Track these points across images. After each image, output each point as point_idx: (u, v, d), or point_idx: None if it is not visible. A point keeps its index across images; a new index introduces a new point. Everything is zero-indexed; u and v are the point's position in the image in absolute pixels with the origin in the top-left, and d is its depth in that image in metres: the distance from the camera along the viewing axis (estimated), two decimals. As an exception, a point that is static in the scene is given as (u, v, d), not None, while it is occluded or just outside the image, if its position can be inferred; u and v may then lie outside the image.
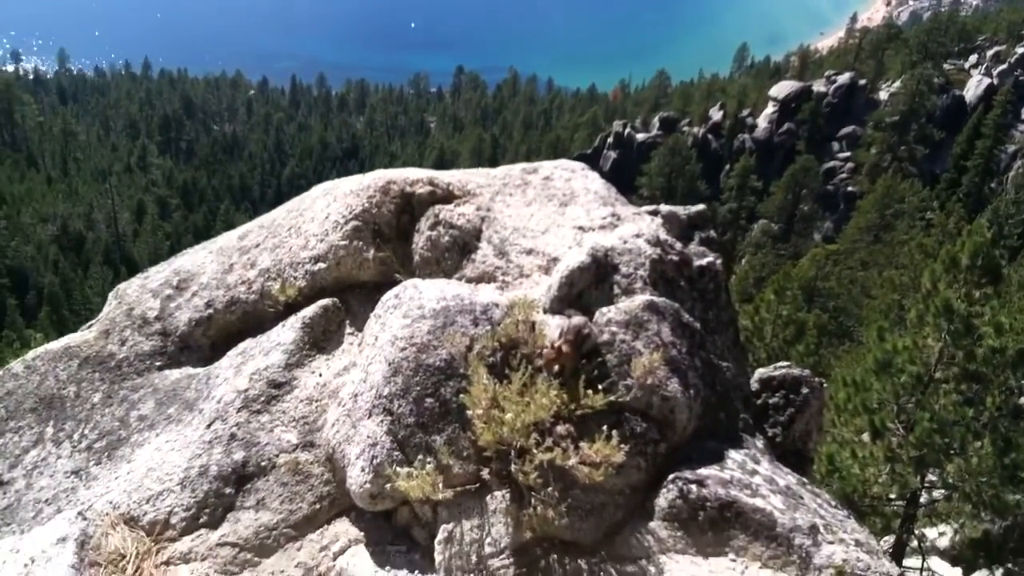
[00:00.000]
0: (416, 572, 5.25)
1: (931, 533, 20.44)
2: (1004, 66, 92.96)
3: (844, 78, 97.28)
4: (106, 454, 6.49)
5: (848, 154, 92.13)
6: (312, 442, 5.94)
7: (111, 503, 5.86)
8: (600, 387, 5.31)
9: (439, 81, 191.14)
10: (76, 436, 6.71)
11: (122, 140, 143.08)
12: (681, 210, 7.78)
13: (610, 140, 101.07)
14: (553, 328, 5.53)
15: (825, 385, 8.72)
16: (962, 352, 16.79)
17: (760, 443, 6.11)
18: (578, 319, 5.58)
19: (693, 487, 5.19)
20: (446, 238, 6.62)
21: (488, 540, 5.13)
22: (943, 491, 18.15)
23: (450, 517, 5.25)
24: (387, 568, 5.28)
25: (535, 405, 5.06)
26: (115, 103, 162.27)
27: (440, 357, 5.54)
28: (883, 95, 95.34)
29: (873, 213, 66.71)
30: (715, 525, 5.11)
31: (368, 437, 5.44)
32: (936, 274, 17.76)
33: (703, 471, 5.32)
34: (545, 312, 5.75)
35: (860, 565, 4.92)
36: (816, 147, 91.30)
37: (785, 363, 8.38)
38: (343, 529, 5.64)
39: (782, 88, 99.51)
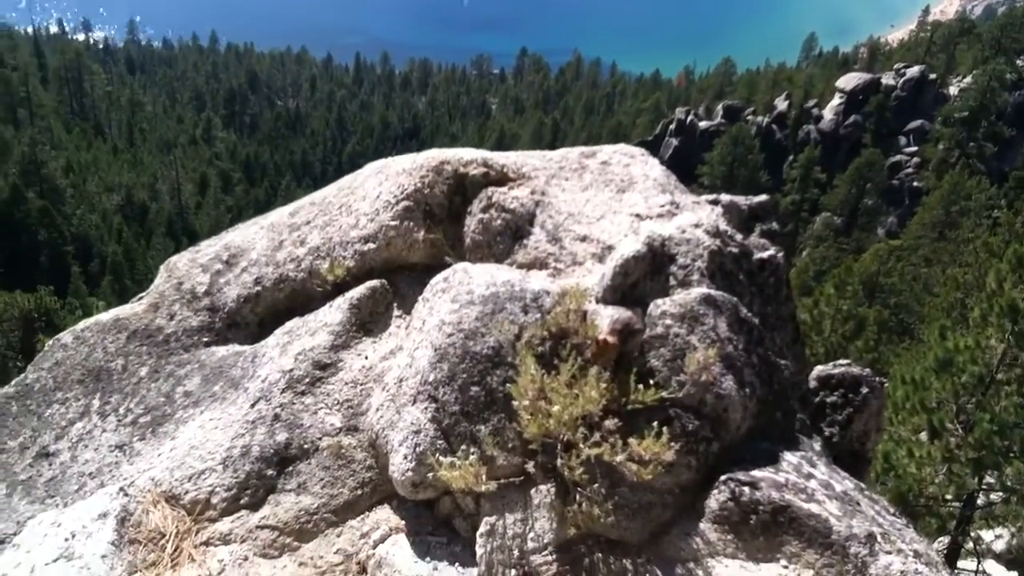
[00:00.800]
0: (456, 564, 5.13)
1: (987, 536, 20.08)
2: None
3: (914, 71, 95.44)
4: (150, 429, 6.44)
5: (915, 149, 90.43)
6: (356, 426, 5.84)
7: (153, 480, 5.83)
8: (652, 382, 5.13)
9: (502, 63, 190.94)
10: (122, 410, 6.68)
11: (187, 112, 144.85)
12: (743, 200, 7.54)
13: (672, 127, 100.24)
14: (605, 319, 5.35)
15: (885, 384, 8.47)
16: (1025, 354, 16.50)
17: (817, 445, 5.89)
18: (627, 313, 5.39)
19: (746, 489, 4.99)
20: (498, 221, 6.45)
21: (531, 535, 4.99)
22: (1001, 494, 17.90)
23: (493, 510, 5.11)
24: (427, 559, 5.16)
25: (583, 398, 4.89)
26: (181, 75, 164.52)
27: (487, 344, 5.39)
28: (953, 90, 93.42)
29: (938, 209, 65.54)
30: (767, 530, 4.92)
31: (412, 424, 5.32)
32: (1002, 273, 17.45)
33: (757, 473, 5.12)
34: (597, 302, 5.57)
35: (918, 577, 4.71)
36: (882, 141, 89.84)
37: (845, 361, 8.12)
38: (384, 517, 5.54)
39: (849, 80, 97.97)
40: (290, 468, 5.69)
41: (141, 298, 7.56)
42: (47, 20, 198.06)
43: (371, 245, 6.75)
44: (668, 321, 5.41)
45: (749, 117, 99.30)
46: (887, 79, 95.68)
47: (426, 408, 5.32)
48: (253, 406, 5.98)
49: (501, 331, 5.41)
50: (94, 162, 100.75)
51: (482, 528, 5.07)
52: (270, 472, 5.67)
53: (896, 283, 49.49)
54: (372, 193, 7.00)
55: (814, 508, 4.90)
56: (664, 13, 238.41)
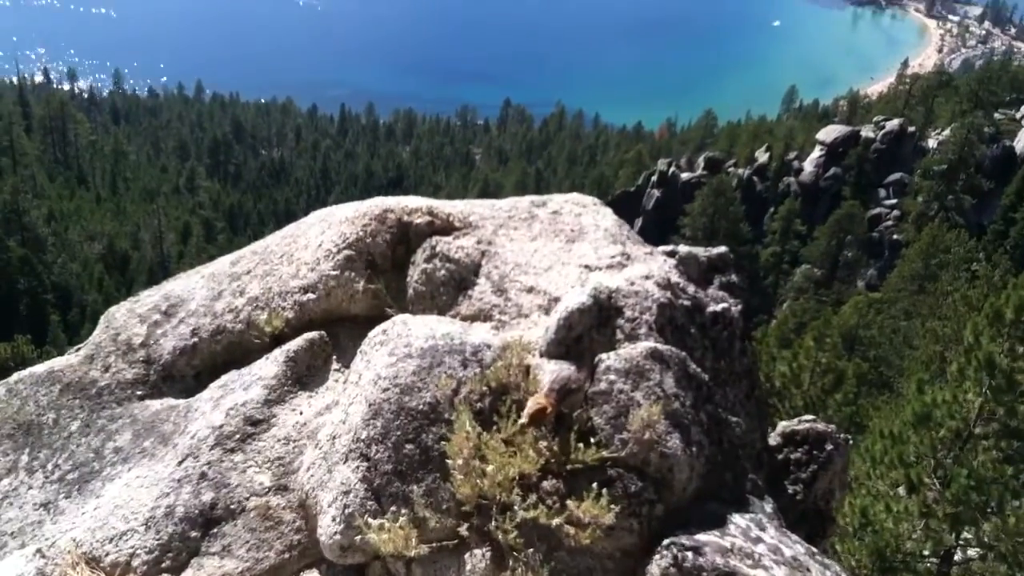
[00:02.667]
0: (385, 634, 4.86)
1: (965, 593, 19.81)
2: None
3: (893, 124, 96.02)
4: (77, 487, 6.16)
5: (894, 201, 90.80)
6: (286, 486, 5.57)
7: (74, 540, 5.55)
8: (594, 440, 4.89)
9: (486, 113, 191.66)
10: (50, 466, 6.39)
11: (171, 161, 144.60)
12: (701, 251, 7.31)
13: (654, 179, 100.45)
14: (547, 374, 5.12)
15: (851, 441, 8.25)
16: (1003, 408, 16.46)
17: (768, 507, 5.64)
18: (567, 372, 5.15)
19: (689, 554, 4.73)
20: (442, 272, 6.23)
21: (464, 603, 4.72)
22: (978, 550, 17.74)
23: (424, 575, 4.85)
24: (354, 628, 4.89)
25: (520, 458, 4.66)
26: (166, 124, 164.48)
27: (424, 400, 5.15)
28: (932, 143, 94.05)
29: (918, 262, 65.65)
30: (711, 598, 4.66)
31: (342, 484, 5.06)
32: (979, 327, 17.37)
33: (702, 537, 4.86)
34: (541, 355, 5.33)
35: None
36: (862, 193, 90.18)
37: (810, 417, 7.91)
38: (311, 582, 5.26)
39: (830, 132, 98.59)
40: (215, 530, 5.41)
41: (79, 349, 7.30)
42: (33, 70, 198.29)
43: (311, 296, 6.52)
44: (612, 376, 5.17)
45: (730, 169, 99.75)
46: (867, 132, 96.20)
47: (357, 467, 5.06)
48: (180, 464, 5.71)
49: (438, 386, 5.18)
50: (77, 211, 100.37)
51: (413, 595, 4.81)
52: (194, 534, 5.39)
53: (875, 336, 49.50)
54: (314, 242, 6.78)
55: (760, 574, 4.65)
56: (646, 66, 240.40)
